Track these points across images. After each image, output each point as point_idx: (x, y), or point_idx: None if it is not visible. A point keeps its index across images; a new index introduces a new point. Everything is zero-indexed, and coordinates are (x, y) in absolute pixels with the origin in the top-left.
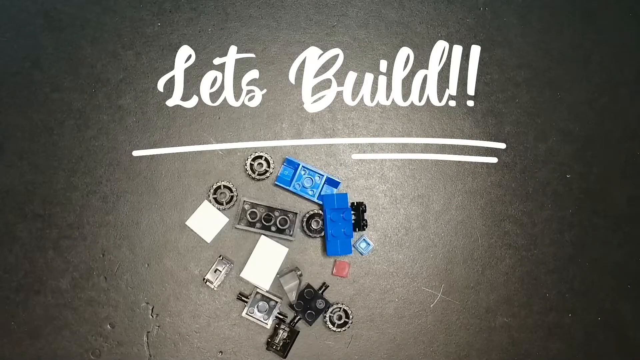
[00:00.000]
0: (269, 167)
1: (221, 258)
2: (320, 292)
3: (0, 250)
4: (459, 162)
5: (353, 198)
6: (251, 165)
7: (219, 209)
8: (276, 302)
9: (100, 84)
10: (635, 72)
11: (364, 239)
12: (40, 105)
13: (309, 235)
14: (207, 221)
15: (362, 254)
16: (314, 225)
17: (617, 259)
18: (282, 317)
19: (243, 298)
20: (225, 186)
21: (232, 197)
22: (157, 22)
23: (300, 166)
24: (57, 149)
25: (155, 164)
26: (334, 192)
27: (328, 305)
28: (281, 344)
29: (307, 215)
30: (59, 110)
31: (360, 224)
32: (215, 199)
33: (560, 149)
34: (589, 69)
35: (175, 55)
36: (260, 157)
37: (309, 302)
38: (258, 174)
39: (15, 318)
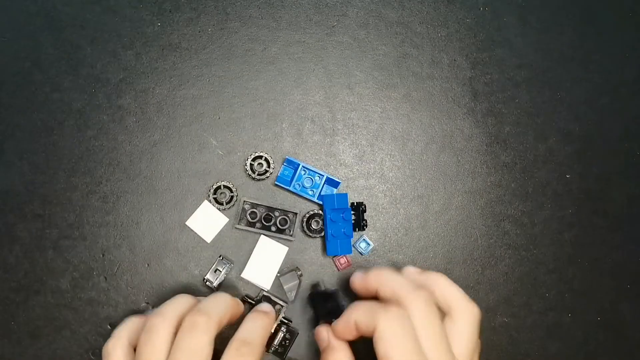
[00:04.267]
0: (269, 167)
1: (221, 258)
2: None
3: (0, 250)
4: (459, 162)
5: (353, 198)
6: (251, 165)
7: (219, 209)
8: (282, 306)
9: (100, 84)
10: (635, 72)
11: (364, 239)
12: (40, 105)
13: (309, 235)
14: (207, 221)
15: (362, 254)
16: (314, 225)
17: (617, 259)
18: (287, 321)
19: (249, 300)
20: (225, 186)
21: (232, 197)
22: (157, 22)
23: (300, 166)
24: (57, 149)
25: (155, 164)
26: (334, 192)
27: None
28: (280, 345)
29: (307, 215)
30: (59, 110)
31: (360, 224)
32: (215, 199)
33: (560, 149)
34: (589, 69)
35: (174, 55)
36: (260, 157)
37: (325, 303)
38: (258, 174)
39: (15, 318)
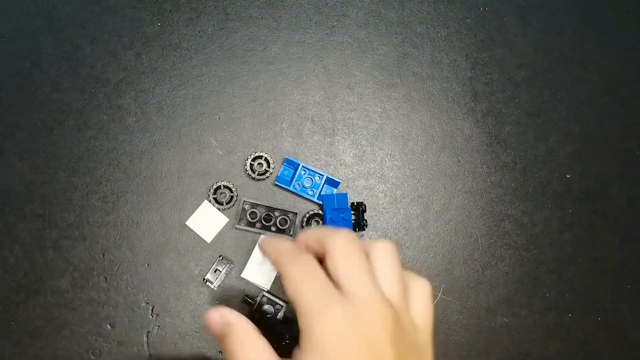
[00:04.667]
0: (269, 167)
1: (221, 258)
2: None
3: (0, 250)
4: (459, 161)
5: (353, 198)
6: (251, 165)
7: (219, 209)
8: (281, 306)
9: (100, 84)
10: (635, 72)
11: (364, 239)
12: (40, 105)
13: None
14: (207, 221)
15: None
16: (314, 226)
17: (617, 259)
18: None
19: (249, 300)
20: (225, 186)
21: (232, 197)
22: (157, 22)
23: (300, 166)
24: (57, 149)
25: (155, 164)
26: (334, 192)
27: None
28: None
29: (307, 215)
30: (59, 110)
31: (360, 224)
32: (215, 199)
33: (560, 149)
34: (589, 69)
35: (174, 55)
36: (260, 157)
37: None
38: (258, 174)
39: (15, 318)
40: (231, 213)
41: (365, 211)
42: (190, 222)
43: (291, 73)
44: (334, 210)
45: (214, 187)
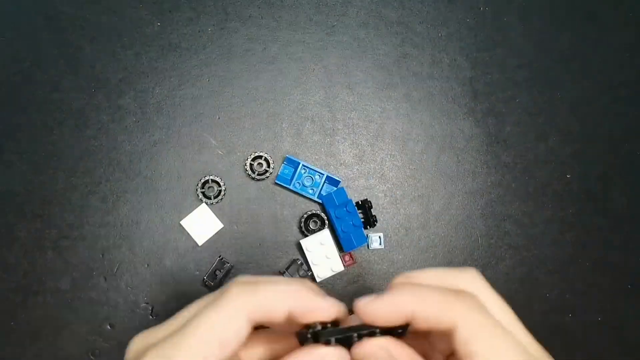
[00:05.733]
0: (268, 167)
1: (220, 259)
2: None
3: (0, 250)
4: (460, 161)
5: (354, 198)
6: (251, 165)
7: (207, 203)
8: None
9: (100, 84)
10: (636, 72)
11: (378, 236)
12: (40, 105)
13: (307, 236)
14: (202, 224)
15: (378, 248)
16: (312, 226)
17: (617, 259)
18: None
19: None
20: (213, 180)
21: (219, 191)
22: (156, 22)
23: (301, 165)
24: (57, 149)
25: (154, 164)
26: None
27: None
28: None
29: (305, 215)
30: (59, 110)
31: (369, 221)
32: (203, 193)
33: (560, 149)
34: (589, 69)
35: (174, 55)
36: (260, 157)
37: None
38: (258, 174)
39: (15, 318)
40: (227, 216)
41: (371, 207)
42: (185, 223)
43: (291, 73)
44: (337, 208)
45: (202, 181)
